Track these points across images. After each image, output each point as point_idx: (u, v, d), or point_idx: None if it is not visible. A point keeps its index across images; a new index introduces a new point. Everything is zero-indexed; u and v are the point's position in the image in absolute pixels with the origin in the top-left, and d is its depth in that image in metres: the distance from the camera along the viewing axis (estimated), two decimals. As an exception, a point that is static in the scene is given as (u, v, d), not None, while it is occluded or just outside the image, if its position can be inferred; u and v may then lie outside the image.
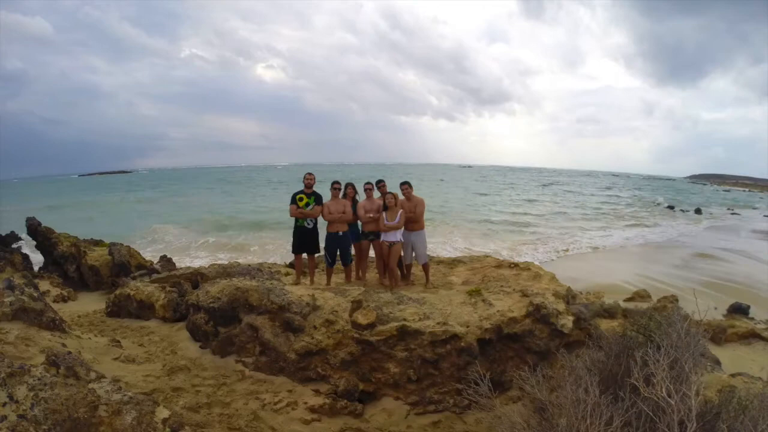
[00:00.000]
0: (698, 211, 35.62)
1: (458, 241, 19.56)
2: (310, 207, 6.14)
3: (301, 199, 6.15)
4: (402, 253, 6.21)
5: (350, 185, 6.47)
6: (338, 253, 6.31)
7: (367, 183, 6.41)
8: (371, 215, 6.18)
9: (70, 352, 3.44)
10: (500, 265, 6.86)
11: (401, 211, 6.00)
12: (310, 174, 6.30)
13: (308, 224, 6.23)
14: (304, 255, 6.42)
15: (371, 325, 4.71)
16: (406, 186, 6.21)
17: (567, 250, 18.02)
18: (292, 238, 6.34)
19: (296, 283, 6.25)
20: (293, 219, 6.27)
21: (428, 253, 6.63)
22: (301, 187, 6.27)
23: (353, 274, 6.80)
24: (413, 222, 6.22)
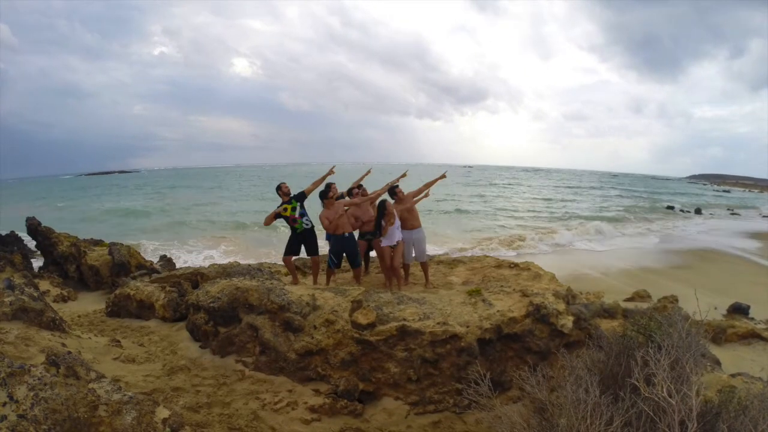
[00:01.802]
0: (698, 211, 35.67)
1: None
2: (297, 210, 6.13)
3: (285, 210, 6.09)
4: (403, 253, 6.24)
5: (332, 185, 6.40)
6: (344, 255, 6.27)
7: (356, 188, 6.46)
8: (363, 220, 6.28)
9: (70, 352, 3.43)
10: (500, 265, 6.86)
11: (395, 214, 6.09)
12: (284, 184, 6.31)
13: (306, 224, 6.19)
14: (293, 258, 6.41)
15: (371, 325, 4.71)
16: (399, 189, 6.31)
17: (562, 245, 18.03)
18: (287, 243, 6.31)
19: (295, 282, 6.24)
20: (292, 227, 6.23)
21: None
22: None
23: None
24: (411, 220, 6.25)
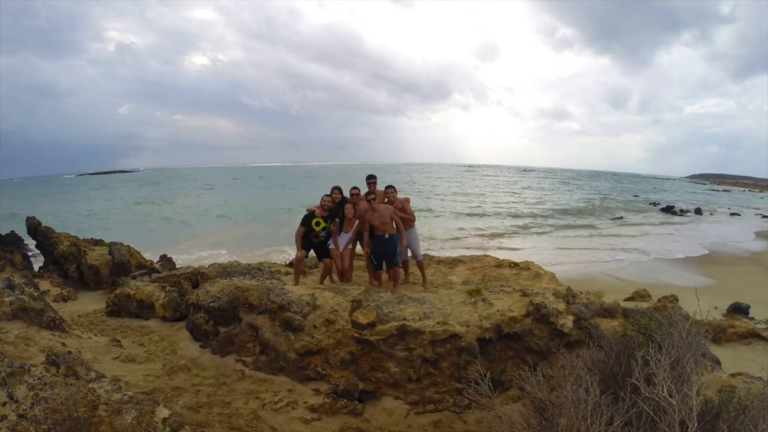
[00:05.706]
0: (698, 212, 35.67)
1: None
2: (324, 232, 5.86)
3: (318, 224, 5.80)
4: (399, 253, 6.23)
5: (337, 188, 6.25)
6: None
7: (353, 188, 6.39)
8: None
9: (70, 352, 3.43)
10: (500, 264, 6.85)
11: (357, 222, 5.99)
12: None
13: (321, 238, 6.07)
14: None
15: (371, 325, 4.70)
16: (391, 190, 6.24)
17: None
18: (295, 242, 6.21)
19: (296, 283, 6.22)
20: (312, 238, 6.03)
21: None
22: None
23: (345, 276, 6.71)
24: (405, 221, 6.23)
